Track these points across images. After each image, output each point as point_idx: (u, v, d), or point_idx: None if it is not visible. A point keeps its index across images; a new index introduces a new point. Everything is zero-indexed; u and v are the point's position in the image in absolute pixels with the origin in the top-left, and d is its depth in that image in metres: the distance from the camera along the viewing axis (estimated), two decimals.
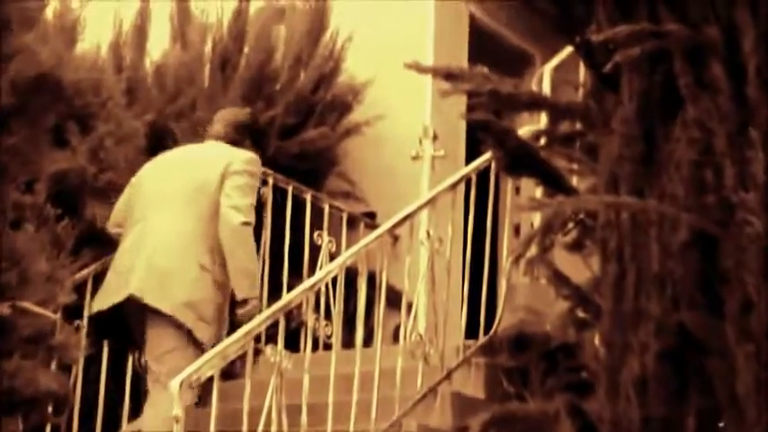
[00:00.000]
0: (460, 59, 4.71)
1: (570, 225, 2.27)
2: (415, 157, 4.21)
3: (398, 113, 4.63)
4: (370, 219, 4.49)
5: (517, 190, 3.97)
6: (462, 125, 4.59)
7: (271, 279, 3.89)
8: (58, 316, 3.15)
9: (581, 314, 2.27)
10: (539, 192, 2.47)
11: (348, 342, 3.78)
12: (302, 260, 4.09)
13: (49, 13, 3.96)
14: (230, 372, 3.68)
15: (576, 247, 2.29)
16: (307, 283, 3.43)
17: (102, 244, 3.70)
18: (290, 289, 3.65)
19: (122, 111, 3.93)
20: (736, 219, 2.04)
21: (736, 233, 2.04)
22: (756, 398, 2.00)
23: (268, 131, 3.98)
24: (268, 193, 3.99)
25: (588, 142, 2.28)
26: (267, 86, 4.49)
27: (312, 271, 3.93)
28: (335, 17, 4.65)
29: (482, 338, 3.75)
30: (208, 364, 3.09)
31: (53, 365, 3.20)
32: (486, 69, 2.29)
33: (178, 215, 3.41)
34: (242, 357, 3.32)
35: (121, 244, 3.48)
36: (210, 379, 3.10)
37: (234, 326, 3.32)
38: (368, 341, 3.65)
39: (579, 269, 2.29)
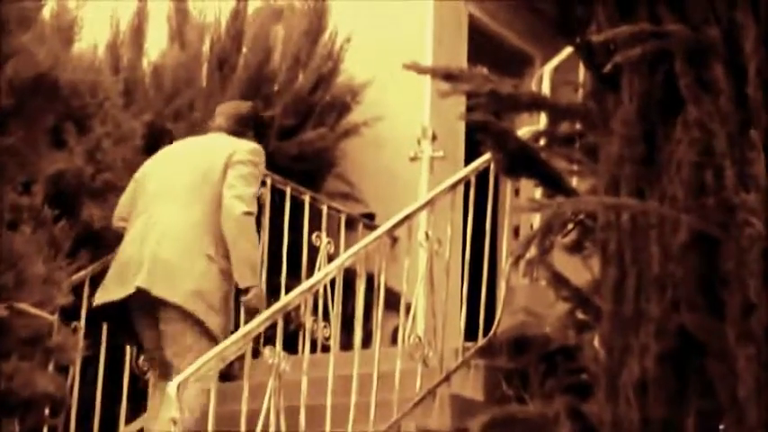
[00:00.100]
0: (460, 60, 4.70)
1: (570, 226, 2.26)
2: (414, 158, 4.20)
3: (397, 114, 4.62)
4: (369, 220, 4.49)
5: (516, 191, 3.96)
6: (461, 126, 4.58)
7: (269, 280, 3.88)
8: (55, 317, 3.14)
9: (581, 316, 2.26)
10: (538, 193, 2.46)
11: (347, 344, 3.77)
12: (300, 262, 4.09)
13: (46, 13, 3.95)
14: (228, 373, 3.67)
15: (575, 248, 2.28)
16: (305, 284, 3.42)
17: (99, 245, 3.70)
18: (288, 290, 3.64)
19: (120, 111, 3.93)
20: (736, 220, 2.03)
21: (737, 235, 2.03)
22: (757, 400, 1.99)
23: (270, 123, 3.97)
24: (266, 194, 3.98)
25: (588, 143, 2.27)
26: (265, 87, 4.48)
27: (310, 272, 3.93)
28: (334, 17, 4.65)
29: (481, 340, 3.74)
30: (206, 366, 3.08)
31: (50, 367, 3.19)
32: (485, 70, 2.28)
33: (182, 206, 3.42)
34: (240, 359, 3.31)
35: (125, 237, 3.48)
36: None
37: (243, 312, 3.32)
38: (366, 343, 3.64)
39: (579, 271, 2.28)
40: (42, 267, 3.12)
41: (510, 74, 3.18)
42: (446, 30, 4.76)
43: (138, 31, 4.40)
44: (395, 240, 3.87)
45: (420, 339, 3.59)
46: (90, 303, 3.62)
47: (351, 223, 4.37)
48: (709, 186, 2.07)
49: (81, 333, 3.57)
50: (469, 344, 3.74)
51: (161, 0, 4.55)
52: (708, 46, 2.08)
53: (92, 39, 4.20)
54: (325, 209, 4.19)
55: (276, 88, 4.53)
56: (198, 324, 3.31)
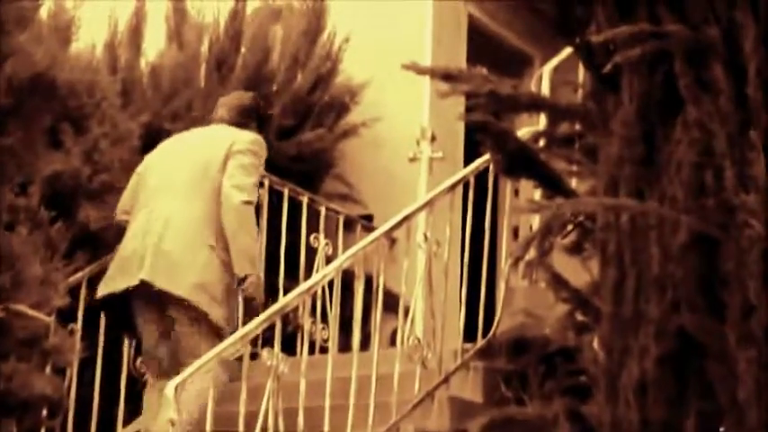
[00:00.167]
0: (459, 60, 4.70)
1: (569, 227, 2.25)
2: (413, 159, 4.20)
3: (396, 115, 4.61)
4: (367, 221, 4.48)
5: (516, 192, 3.95)
6: (460, 127, 4.58)
7: (267, 282, 3.86)
8: (52, 319, 3.14)
9: (580, 317, 2.25)
10: (538, 194, 2.45)
11: (345, 346, 3.76)
12: (298, 263, 4.08)
13: (44, 12, 3.93)
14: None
15: (575, 249, 2.27)
16: (303, 286, 3.42)
17: (96, 246, 3.69)
18: (286, 292, 3.63)
19: (117, 112, 3.92)
20: (736, 221, 2.02)
21: (737, 236, 2.02)
22: (757, 402, 1.98)
23: (269, 122, 3.96)
24: (264, 195, 3.97)
25: (588, 144, 2.26)
26: (264, 87, 4.46)
27: (308, 274, 3.92)
28: (333, 17, 4.64)
29: (480, 342, 3.73)
30: (203, 369, 3.07)
31: (48, 369, 3.18)
32: (484, 70, 2.27)
33: (184, 198, 3.42)
34: (238, 360, 3.30)
35: (128, 231, 3.48)
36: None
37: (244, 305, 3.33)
38: (365, 345, 3.63)
39: (578, 272, 2.27)
40: (39, 269, 3.11)
41: (509, 74, 3.17)
42: (445, 30, 4.75)
43: (135, 31, 4.39)
44: (393, 241, 3.86)
45: (419, 341, 3.58)
46: (87, 305, 3.62)
47: (349, 224, 4.36)
48: (708, 187, 2.06)
49: (78, 335, 3.56)
50: (468, 345, 3.73)
51: (159, 0, 4.54)
52: (707, 46, 2.07)
53: (89, 39, 4.19)
54: (323, 210, 4.18)
55: (274, 88, 4.52)
56: (204, 320, 3.30)
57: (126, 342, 3.76)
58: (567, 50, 3.69)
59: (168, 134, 4.13)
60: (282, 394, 3.18)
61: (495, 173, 3.61)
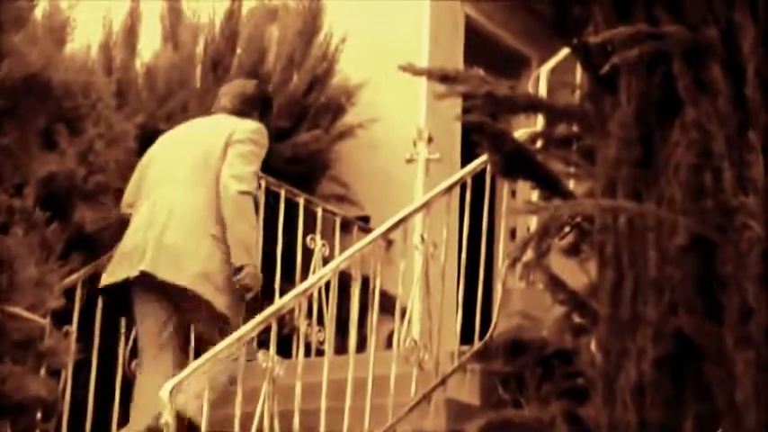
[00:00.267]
0: (456, 61, 4.69)
1: (567, 229, 2.24)
2: (410, 160, 4.19)
3: (393, 116, 4.60)
4: (364, 223, 4.46)
5: (513, 193, 3.94)
6: (457, 128, 4.56)
7: (263, 284, 3.86)
8: (47, 321, 3.13)
9: (577, 319, 2.24)
10: (535, 195, 2.44)
11: (341, 348, 3.75)
12: (295, 265, 4.07)
13: (39, 13, 3.92)
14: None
15: (572, 251, 2.26)
16: (299, 287, 3.40)
17: (91, 248, 3.68)
18: (282, 294, 3.62)
19: (112, 113, 3.90)
20: (735, 223, 2.01)
21: (736, 238, 2.01)
22: (755, 405, 1.97)
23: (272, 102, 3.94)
24: (260, 196, 3.96)
25: (585, 145, 2.25)
26: None
27: (305, 276, 3.91)
28: (329, 17, 4.62)
29: (477, 344, 3.72)
30: (199, 370, 3.06)
31: (42, 371, 3.17)
32: (481, 71, 2.26)
33: (185, 189, 3.43)
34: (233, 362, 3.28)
35: (131, 222, 3.49)
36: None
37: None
38: (361, 347, 3.63)
39: (576, 274, 2.26)
40: (34, 270, 3.11)
41: (507, 75, 3.17)
42: (442, 31, 4.74)
43: (131, 32, 4.38)
44: (390, 243, 3.85)
45: (415, 343, 3.57)
46: (82, 307, 3.61)
47: (346, 226, 4.35)
48: (707, 189, 2.05)
49: (73, 337, 3.55)
50: (465, 347, 3.72)
51: (154, 0, 4.52)
52: (706, 47, 2.06)
53: (84, 39, 4.18)
54: (319, 211, 4.17)
55: (270, 89, 4.50)
56: (208, 308, 3.29)
57: (121, 344, 3.75)
58: (565, 51, 3.68)
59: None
60: (278, 397, 3.17)
61: (493, 174, 3.60)
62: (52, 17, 4.02)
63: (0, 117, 3.10)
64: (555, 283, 2.22)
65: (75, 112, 3.79)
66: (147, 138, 4.02)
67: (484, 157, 3.57)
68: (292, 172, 4.34)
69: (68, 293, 3.50)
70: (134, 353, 3.69)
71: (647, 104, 2.11)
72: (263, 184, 3.97)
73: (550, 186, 2.27)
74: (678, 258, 2.03)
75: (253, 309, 3.42)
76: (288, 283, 3.86)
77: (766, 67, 2.03)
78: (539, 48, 4.88)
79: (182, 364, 3.34)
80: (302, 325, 3.58)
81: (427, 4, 4.72)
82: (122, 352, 3.75)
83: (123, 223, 3.62)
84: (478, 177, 3.83)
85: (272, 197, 4.07)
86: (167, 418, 2.93)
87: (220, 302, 3.33)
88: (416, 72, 2.33)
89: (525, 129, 3.23)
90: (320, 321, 3.89)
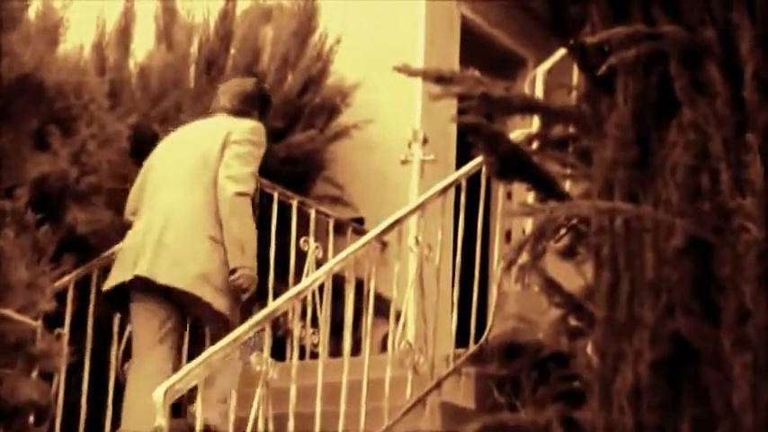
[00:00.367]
0: (452, 62, 4.67)
1: (563, 231, 2.22)
2: (405, 162, 4.17)
3: (388, 117, 4.59)
4: (358, 224, 4.45)
5: (509, 195, 3.93)
6: (453, 129, 4.55)
7: (257, 285, 3.84)
8: (38, 323, 3.11)
9: (574, 322, 2.22)
10: (530, 197, 2.43)
11: (335, 351, 3.73)
12: (288, 267, 4.05)
13: (31, 13, 3.90)
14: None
15: (568, 253, 2.25)
16: (293, 290, 3.39)
17: (83, 250, 3.65)
18: (276, 296, 3.60)
19: (105, 113, 3.88)
20: (732, 225, 2.00)
21: (733, 240, 1.99)
22: (753, 408, 1.96)
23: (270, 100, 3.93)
24: (254, 197, 3.94)
25: (582, 146, 2.24)
26: None
27: (298, 278, 3.89)
28: (324, 18, 4.61)
29: (472, 347, 3.70)
30: (192, 374, 3.04)
31: (34, 374, 3.15)
32: (477, 72, 2.24)
33: (184, 191, 3.43)
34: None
35: (133, 226, 3.50)
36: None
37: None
38: (356, 350, 3.60)
39: (572, 276, 2.24)
40: (26, 272, 3.09)
41: (503, 76, 3.14)
42: (438, 31, 4.73)
43: (124, 32, 4.36)
44: (384, 245, 3.83)
45: (410, 346, 3.55)
46: (74, 309, 3.59)
47: (340, 228, 4.33)
48: (704, 190, 2.03)
49: (65, 339, 3.52)
50: (460, 350, 3.71)
51: (148, 0, 4.50)
52: (703, 47, 2.05)
53: (77, 39, 4.15)
54: (313, 213, 4.16)
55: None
56: (209, 310, 3.30)
57: (114, 346, 3.73)
58: (561, 52, 3.67)
59: (157, 136, 4.10)
60: (272, 400, 3.15)
61: (488, 176, 3.59)
62: (45, 17, 4.00)
63: None
64: (551, 286, 2.20)
65: (68, 113, 3.77)
66: (140, 138, 4.00)
67: (479, 159, 3.55)
68: (287, 173, 4.32)
69: (60, 296, 3.48)
70: (127, 355, 3.67)
71: (644, 105, 2.10)
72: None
73: (546, 188, 2.25)
74: (675, 260, 2.02)
75: (249, 310, 3.40)
76: (281, 286, 3.85)
77: (764, 68, 2.02)
78: (535, 48, 4.87)
79: (176, 366, 3.32)
80: (296, 328, 3.57)
81: (423, 4, 4.70)
82: (115, 354, 3.73)
83: (121, 227, 3.60)
84: (474, 179, 3.81)
85: (265, 198, 4.05)
86: (161, 421, 2.91)
87: (220, 303, 3.33)
88: (412, 73, 2.31)
89: (521, 130, 3.22)
90: (314, 324, 3.87)
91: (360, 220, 4.50)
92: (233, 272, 3.35)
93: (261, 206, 4.01)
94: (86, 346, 3.67)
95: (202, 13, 4.52)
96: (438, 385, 3.57)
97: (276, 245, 4.03)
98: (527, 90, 4.10)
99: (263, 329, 3.18)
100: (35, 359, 3.11)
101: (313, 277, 3.48)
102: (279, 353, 3.46)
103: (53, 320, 3.39)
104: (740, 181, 2.00)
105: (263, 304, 3.53)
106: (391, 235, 3.63)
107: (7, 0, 3.55)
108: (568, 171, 2.30)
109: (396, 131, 4.43)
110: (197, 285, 3.31)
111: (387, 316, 3.64)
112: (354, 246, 3.54)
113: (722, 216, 2.01)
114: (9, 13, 3.55)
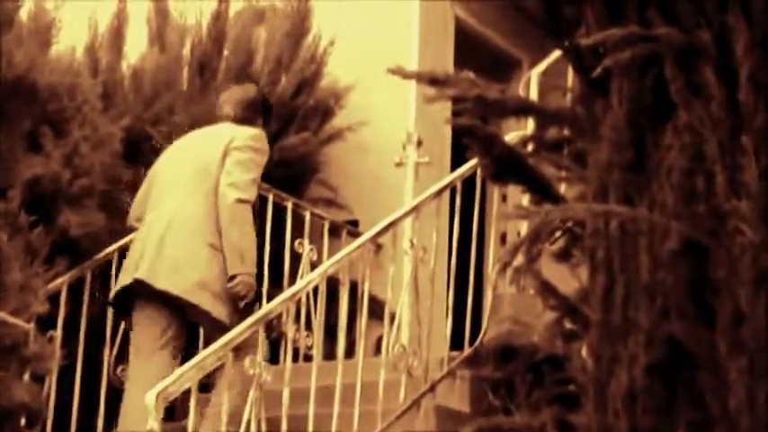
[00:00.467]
0: (446, 63, 4.67)
1: (558, 234, 2.21)
2: (399, 164, 4.16)
3: (382, 119, 4.58)
4: (353, 227, 4.44)
5: (503, 197, 3.93)
6: (447, 131, 4.55)
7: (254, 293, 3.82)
8: (31, 326, 3.10)
9: (569, 325, 2.21)
10: (525, 199, 2.42)
11: (329, 353, 3.72)
12: (283, 269, 4.04)
13: (24, 14, 3.88)
14: (208, 383, 3.61)
15: (563, 256, 2.24)
16: (287, 292, 3.38)
17: (76, 252, 3.64)
18: (269, 299, 3.59)
19: (98, 115, 3.86)
20: (727, 228, 1.99)
21: (728, 242, 1.99)
22: (749, 412, 1.95)
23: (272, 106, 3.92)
24: (256, 204, 3.93)
25: (577, 149, 2.23)
26: None
27: (293, 280, 3.88)
28: (317, 19, 4.60)
29: (467, 350, 3.69)
30: (185, 377, 3.02)
31: (26, 376, 3.13)
32: (472, 74, 2.23)
33: (186, 198, 3.43)
34: (221, 368, 3.25)
35: (137, 232, 3.50)
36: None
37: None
38: (350, 353, 3.60)
39: (567, 279, 2.24)
40: (19, 274, 3.08)
41: (497, 77, 3.15)
42: (432, 32, 4.72)
43: (117, 33, 4.34)
44: (379, 248, 3.83)
45: (404, 349, 3.55)
46: (67, 312, 3.58)
47: (334, 230, 4.32)
48: (699, 193, 2.02)
49: (58, 342, 3.51)
50: (455, 353, 3.70)
51: (141, 1, 4.48)
52: (699, 50, 2.04)
53: (70, 41, 4.13)
54: (308, 215, 4.15)
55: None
56: (207, 318, 3.30)
57: (106, 349, 3.72)
58: (556, 54, 3.67)
59: (150, 138, 4.09)
60: (266, 403, 3.14)
61: (483, 178, 3.58)
62: (37, 18, 3.98)
63: None
64: (546, 289, 2.19)
65: (61, 115, 3.75)
66: (133, 140, 3.98)
67: (474, 161, 3.55)
68: (280, 175, 4.30)
69: (53, 298, 3.46)
70: (119, 358, 3.66)
71: (639, 108, 2.09)
72: None
73: (541, 190, 2.24)
74: (670, 263, 2.01)
75: (248, 317, 3.38)
76: (275, 288, 3.84)
77: (760, 70, 2.01)
78: (530, 50, 4.87)
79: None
80: (290, 330, 3.56)
81: (417, 5, 4.69)
82: (107, 357, 3.71)
83: (114, 230, 3.59)
84: (468, 181, 3.81)
85: (259, 201, 4.04)
86: (152, 424, 2.90)
87: (219, 311, 3.32)
88: (406, 75, 2.30)
89: (516, 132, 3.21)
90: (308, 327, 3.86)
91: (354, 223, 4.49)
92: (231, 279, 3.34)
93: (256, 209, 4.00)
94: (79, 348, 3.65)
95: (195, 14, 4.50)
96: (432, 388, 3.56)
97: (271, 247, 4.02)
98: (522, 92, 4.10)
99: (256, 331, 3.17)
100: (27, 361, 3.10)
101: (307, 279, 3.47)
102: (272, 355, 3.45)
103: (46, 323, 3.38)
104: (735, 183, 1.99)
105: (258, 306, 3.52)
106: (386, 237, 3.63)
107: (0, 2, 3.53)
108: (563, 173, 2.29)
109: (390, 133, 4.42)
110: (195, 293, 3.31)
111: (381, 318, 3.63)
112: (349, 248, 3.53)
113: (717, 219, 2.00)
114: (1, 15, 3.54)
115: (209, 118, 3.86)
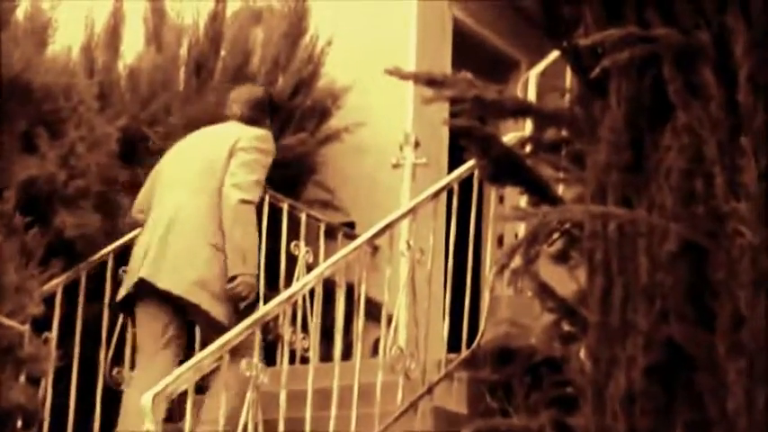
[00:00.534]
0: (444, 64, 4.66)
1: (556, 235, 2.20)
2: (396, 165, 4.15)
3: (379, 120, 4.57)
4: (349, 229, 4.43)
5: (501, 199, 3.92)
6: (445, 132, 4.54)
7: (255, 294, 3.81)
8: (26, 327, 3.08)
9: (567, 327, 2.21)
10: (523, 201, 2.41)
11: (326, 356, 3.71)
12: (279, 271, 4.02)
13: (20, 14, 3.87)
14: (203, 386, 3.60)
15: (561, 258, 2.23)
16: (283, 294, 3.37)
17: (71, 254, 3.63)
18: (266, 301, 3.58)
19: (94, 115, 3.85)
20: (726, 229, 1.98)
21: (727, 244, 1.98)
22: (747, 414, 1.94)
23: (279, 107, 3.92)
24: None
25: (575, 150, 2.22)
26: None
27: (289, 282, 3.87)
28: (315, 19, 4.59)
29: (465, 352, 3.68)
30: (182, 378, 3.01)
31: (22, 378, 3.12)
32: (469, 75, 2.22)
33: (190, 196, 3.43)
34: (216, 371, 3.24)
35: (141, 229, 3.50)
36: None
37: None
38: (346, 355, 3.58)
39: (565, 281, 2.23)
40: (14, 276, 3.07)
41: (495, 78, 3.13)
42: (430, 33, 4.71)
43: (113, 33, 4.33)
44: (376, 249, 3.82)
45: (402, 351, 3.54)
46: (63, 313, 3.57)
47: (330, 232, 4.31)
48: (698, 194, 2.02)
49: (53, 343, 3.50)
50: (452, 355, 3.69)
51: (137, 1, 4.47)
52: (697, 50, 2.04)
53: (66, 41, 4.12)
54: (304, 217, 4.13)
55: None
56: (206, 317, 3.28)
57: (102, 351, 3.70)
58: (554, 54, 3.66)
59: (146, 138, 4.08)
60: (262, 405, 3.13)
61: (480, 179, 3.57)
62: (33, 18, 3.97)
63: None
64: (543, 291, 2.18)
65: (56, 115, 3.74)
66: (129, 141, 3.97)
67: (471, 162, 3.54)
68: (277, 176, 4.28)
69: (48, 300, 3.45)
70: (115, 360, 3.65)
71: (637, 108, 2.08)
72: None
73: (539, 192, 2.23)
74: (669, 265, 2.00)
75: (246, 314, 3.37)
76: (272, 290, 3.83)
77: (759, 71, 2.01)
78: (528, 50, 4.86)
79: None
80: (287, 332, 3.55)
81: (414, 5, 4.69)
82: (103, 359, 3.70)
83: (109, 231, 3.59)
84: (466, 183, 3.80)
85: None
86: (148, 426, 2.89)
87: (218, 312, 3.32)
88: (403, 76, 2.29)
89: (514, 133, 3.20)
90: (305, 329, 3.85)
91: (351, 224, 4.48)
92: (232, 279, 3.33)
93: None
94: (74, 350, 3.64)
95: (192, 14, 4.49)
96: (430, 390, 3.55)
97: (266, 249, 4.01)
98: (520, 93, 4.09)
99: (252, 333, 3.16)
100: (23, 363, 3.09)
101: (303, 281, 3.46)
102: (269, 357, 3.44)
103: (41, 324, 3.36)
104: (734, 185, 1.99)
105: (254, 309, 3.50)
106: (383, 239, 3.62)
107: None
108: (561, 175, 2.29)
109: (387, 135, 4.41)
110: (194, 292, 3.30)
111: (378, 320, 3.62)
112: (345, 250, 3.52)
113: (716, 220, 2.00)
114: None
115: (206, 118, 3.85)
